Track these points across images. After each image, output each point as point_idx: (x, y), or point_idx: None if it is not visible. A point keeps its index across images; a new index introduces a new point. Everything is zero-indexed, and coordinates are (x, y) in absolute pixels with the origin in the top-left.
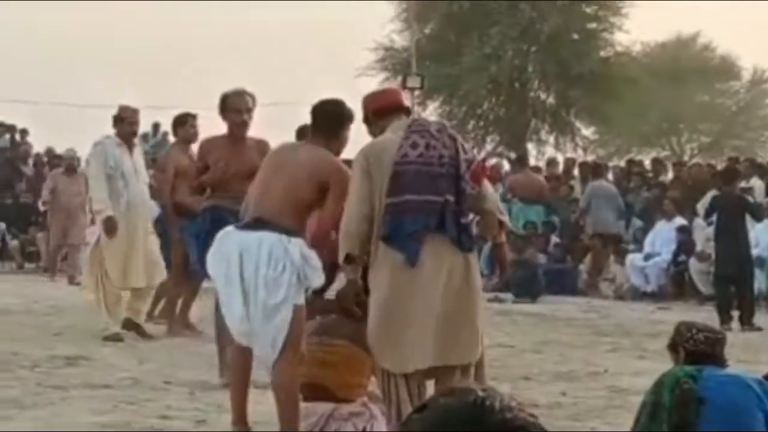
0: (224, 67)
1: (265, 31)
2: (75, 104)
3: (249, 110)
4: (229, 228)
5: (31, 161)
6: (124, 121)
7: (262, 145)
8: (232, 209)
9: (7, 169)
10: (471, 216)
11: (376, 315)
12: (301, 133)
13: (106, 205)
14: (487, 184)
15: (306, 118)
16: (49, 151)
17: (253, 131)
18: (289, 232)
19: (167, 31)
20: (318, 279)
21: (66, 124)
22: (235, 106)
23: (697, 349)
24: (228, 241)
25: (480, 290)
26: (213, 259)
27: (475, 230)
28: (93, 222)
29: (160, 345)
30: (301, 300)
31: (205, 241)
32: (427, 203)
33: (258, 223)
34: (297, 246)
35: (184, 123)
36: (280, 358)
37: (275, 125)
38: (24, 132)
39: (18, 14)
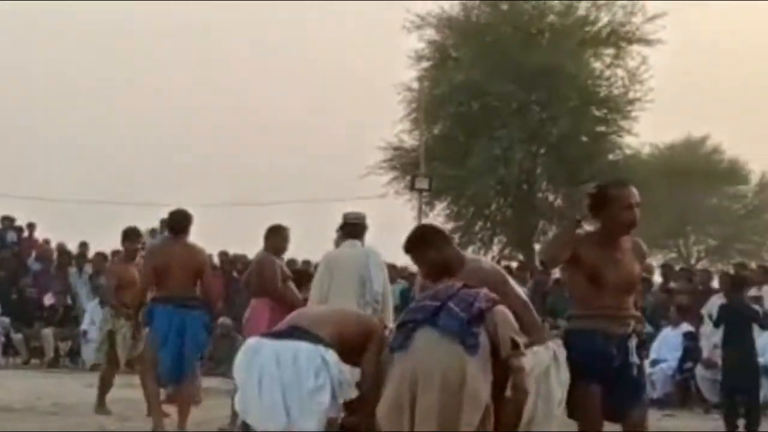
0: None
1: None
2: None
3: (638, 205)
4: (258, 338)
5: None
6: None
7: (638, 247)
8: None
9: (14, 264)
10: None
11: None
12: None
13: None
14: (503, 308)
15: (322, 216)
16: (60, 247)
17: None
18: (326, 344)
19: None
20: (352, 392)
21: (70, 219)
22: (623, 202)
23: None
24: (262, 349)
25: (478, 395)
26: (244, 366)
27: None
28: None
29: None
30: (335, 413)
31: None
32: (422, 306)
33: (294, 332)
34: (334, 357)
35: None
36: None
37: (289, 222)
38: (31, 226)
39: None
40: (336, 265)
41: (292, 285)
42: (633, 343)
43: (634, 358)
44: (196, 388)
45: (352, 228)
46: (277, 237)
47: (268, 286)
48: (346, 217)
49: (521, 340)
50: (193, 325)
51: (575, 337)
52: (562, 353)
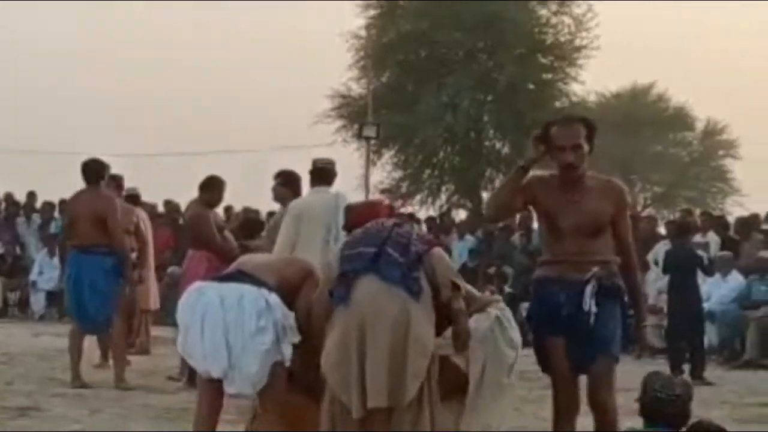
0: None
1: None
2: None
3: (576, 147)
4: (203, 282)
5: None
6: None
7: (609, 187)
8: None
9: None
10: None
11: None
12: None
13: None
14: (439, 250)
15: (265, 162)
16: (8, 196)
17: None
18: (270, 287)
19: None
20: (295, 336)
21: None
22: (556, 143)
23: (646, 406)
24: (207, 291)
25: (423, 339)
26: (188, 307)
27: None
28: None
29: (112, 395)
30: (281, 357)
31: None
32: (358, 254)
33: (239, 275)
34: (277, 300)
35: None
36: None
37: (236, 171)
38: None
39: None
40: (306, 212)
41: (228, 234)
42: (589, 289)
43: (588, 306)
44: (106, 334)
45: (321, 173)
46: (213, 190)
47: (207, 240)
48: (315, 162)
49: (460, 281)
50: (90, 270)
51: (535, 286)
52: (508, 315)
